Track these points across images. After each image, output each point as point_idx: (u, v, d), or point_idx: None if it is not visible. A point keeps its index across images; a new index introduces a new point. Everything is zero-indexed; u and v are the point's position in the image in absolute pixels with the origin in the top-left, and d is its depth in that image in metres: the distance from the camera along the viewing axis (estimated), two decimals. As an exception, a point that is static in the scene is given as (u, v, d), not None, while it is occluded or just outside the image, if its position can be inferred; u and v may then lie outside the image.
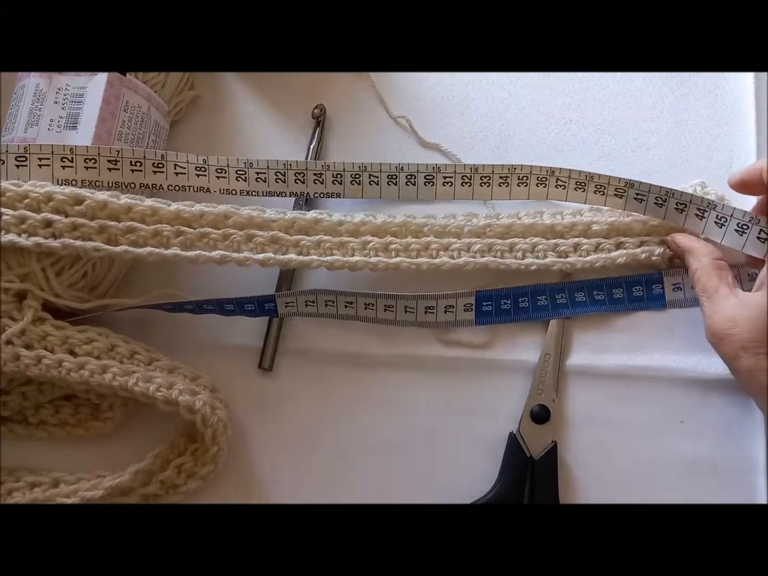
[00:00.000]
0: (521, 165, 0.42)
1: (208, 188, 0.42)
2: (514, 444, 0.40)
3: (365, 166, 0.42)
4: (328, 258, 0.41)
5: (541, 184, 0.42)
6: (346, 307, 0.42)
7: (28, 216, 0.38)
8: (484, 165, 0.42)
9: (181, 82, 0.45)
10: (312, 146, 0.46)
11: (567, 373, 0.42)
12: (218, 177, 0.42)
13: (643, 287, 0.42)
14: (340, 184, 0.42)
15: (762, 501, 0.40)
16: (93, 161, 0.40)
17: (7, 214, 0.38)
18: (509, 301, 0.42)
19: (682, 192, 0.41)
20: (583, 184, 0.42)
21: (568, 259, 0.42)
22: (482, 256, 0.42)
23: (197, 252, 0.39)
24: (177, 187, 0.42)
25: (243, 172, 0.42)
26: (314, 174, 0.42)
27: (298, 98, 0.47)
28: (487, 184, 0.43)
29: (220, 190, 0.42)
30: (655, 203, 0.41)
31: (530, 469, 0.40)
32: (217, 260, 0.40)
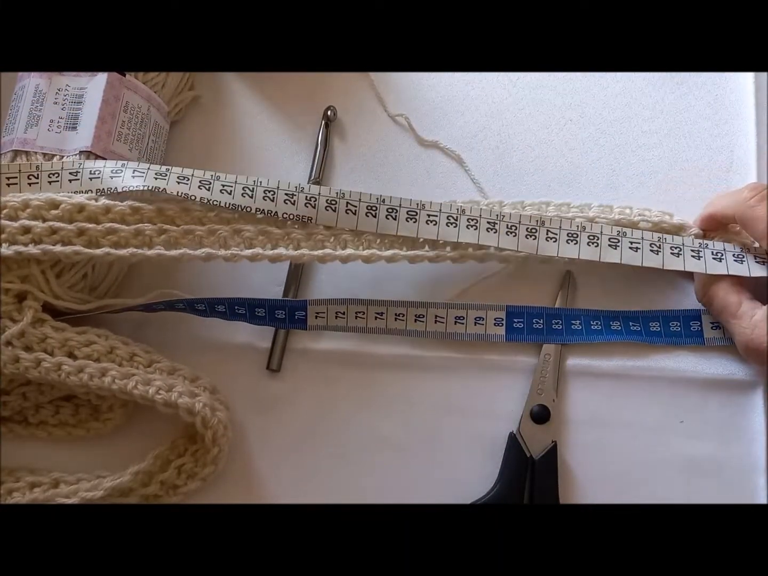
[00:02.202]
0: (510, 213, 0.41)
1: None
2: (514, 444, 0.40)
3: (343, 194, 0.40)
4: (318, 252, 0.40)
5: (531, 236, 0.41)
6: (376, 319, 0.41)
7: (5, 225, 0.38)
8: (472, 207, 0.41)
9: (181, 83, 0.45)
10: (319, 148, 0.45)
11: (567, 373, 0.42)
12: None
13: (681, 323, 0.42)
14: (314, 208, 0.40)
15: (762, 501, 0.40)
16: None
17: None
18: (542, 321, 0.42)
19: (674, 236, 0.41)
20: (575, 235, 0.41)
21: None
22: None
23: (182, 251, 0.39)
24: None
25: (208, 183, 0.40)
26: (285, 194, 0.40)
27: (298, 98, 0.47)
28: (474, 227, 0.40)
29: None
30: (650, 251, 0.40)
31: (530, 470, 0.40)
32: (202, 258, 0.39)
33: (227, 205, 0.39)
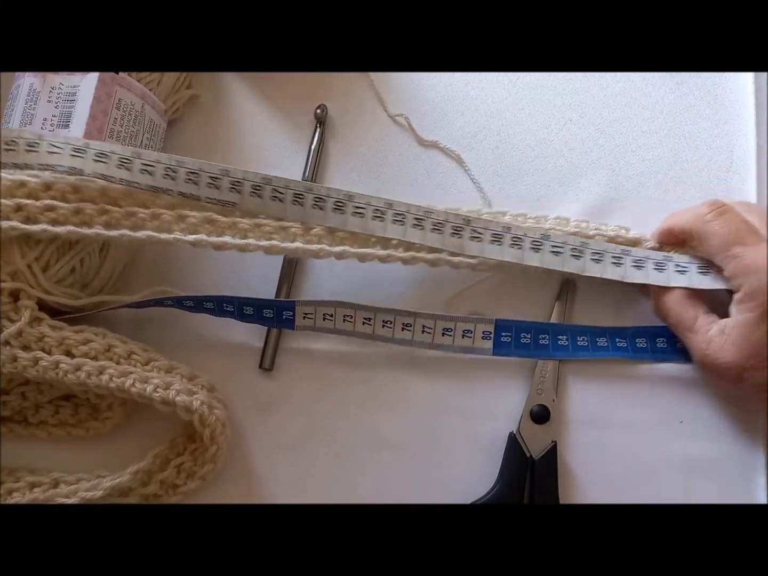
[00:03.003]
0: (437, 210, 0.41)
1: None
2: (513, 444, 0.40)
3: (269, 179, 0.40)
4: (265, 242, 0.40)
5: (456, 235, 0.41)
6: (364, 324, 0.41)
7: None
8: (401, 202, 0.40)
9: (178, 81, 0.45)
10: (313, 146, 0.45)
11: (567, 373, 0.42)
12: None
13: (667, 340, 0.41)
14: (239, 193, 0.40)
15: (762, 501, 0.40)
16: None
17: None
18: (529, 336, 0.42)
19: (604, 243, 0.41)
20: (500, 236, 0.40)
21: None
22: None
23: (122, 231, 0.39)
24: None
25: (128, 162, 0.39)
26: (210, 177, 0.39)
27: (298, 98, 0.47)
28: (401, 223, 0.40)
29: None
30: (572, 256, 0.40)
31: (530, 470, 0.40)
32: (144, 240, 0.39)
33: (148, 187, 0.39)
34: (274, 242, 0.40)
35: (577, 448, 0.41)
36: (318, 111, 0.46)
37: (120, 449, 0.41)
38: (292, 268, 0.44)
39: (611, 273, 0.41)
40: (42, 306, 0.39)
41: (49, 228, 0.38)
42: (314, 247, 0.40)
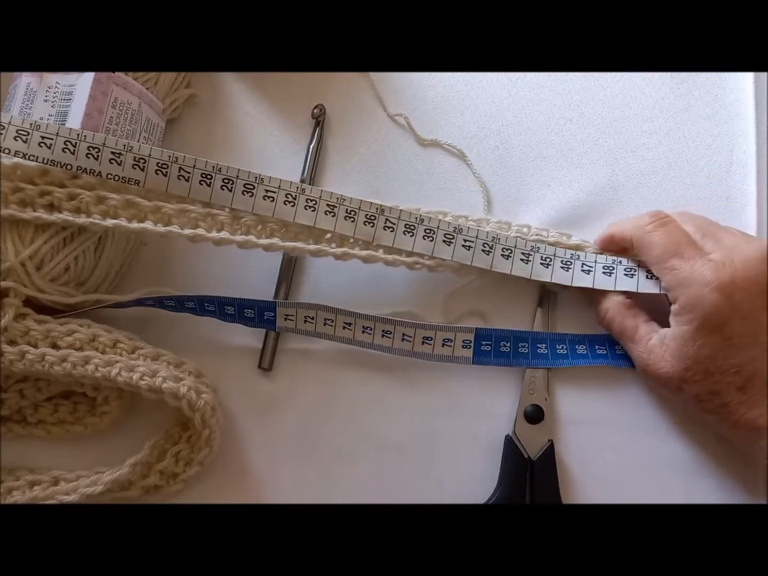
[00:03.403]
0: (351, 199, 0.40)
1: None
2: (511, 447, 0.40)
3: (176, 158, 0.39)
4: (188, 231, 0.39)
5: (369, 223, 0.40)
6: (344, 328, 0.41)
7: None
8: (313, 188, 0.40)
9: (176, 80, 0.45)
10: (312, 146, 0.45)
11: (557, 372, 0.42)
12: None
13: None
14: (142, 170, 0.39)
15: (762, 501, 0.40)
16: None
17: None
18: (509, 344, 0.42)
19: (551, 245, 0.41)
20: (412, 227, 0.40)
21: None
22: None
23: (35, 214, 0.38)
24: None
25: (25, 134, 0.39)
26: (112, 152, 0.39)
27: (298, 98, 0.47)
28: (313, 209, 0.40)
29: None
30: (482, 250, 0.40)
31: (529, 471, 0.40)
32: (50, 220, 0.38)
33: (45, 161, 0.38)
34: (200, 231, 0.39)
35: (573, 447, 0.41)
36: (315, 110, 0.46)
37: (118, 446, 0.41)
38: (291, 266, 0.44)
39: (558, 277, 0.41)
40: (33, 304, 0.39)
41: (16, 213, 0.38)
42: (312, 247, 0.40)
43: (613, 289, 0.40)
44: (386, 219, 0.40)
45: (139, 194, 0.40)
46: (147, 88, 0.43)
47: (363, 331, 0.41)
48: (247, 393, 0.42)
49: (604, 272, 0.41)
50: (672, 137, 0.45)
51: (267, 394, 0.42)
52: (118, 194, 0.39)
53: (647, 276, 0.40)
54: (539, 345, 0.42)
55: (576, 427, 0.41)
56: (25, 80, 0.41)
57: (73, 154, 0.38)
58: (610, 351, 0.41)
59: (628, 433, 0.41)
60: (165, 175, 0.39)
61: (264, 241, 0.40)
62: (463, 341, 0.41)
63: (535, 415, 0.41)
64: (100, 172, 0.39)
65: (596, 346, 0.42)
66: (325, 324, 0.41)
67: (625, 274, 0.40)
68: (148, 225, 0.39)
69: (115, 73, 0.41)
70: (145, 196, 0.40)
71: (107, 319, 0.41)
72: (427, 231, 0.40)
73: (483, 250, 0.40)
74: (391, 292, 0.43)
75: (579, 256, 0.41)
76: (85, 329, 0.39)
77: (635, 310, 0.40)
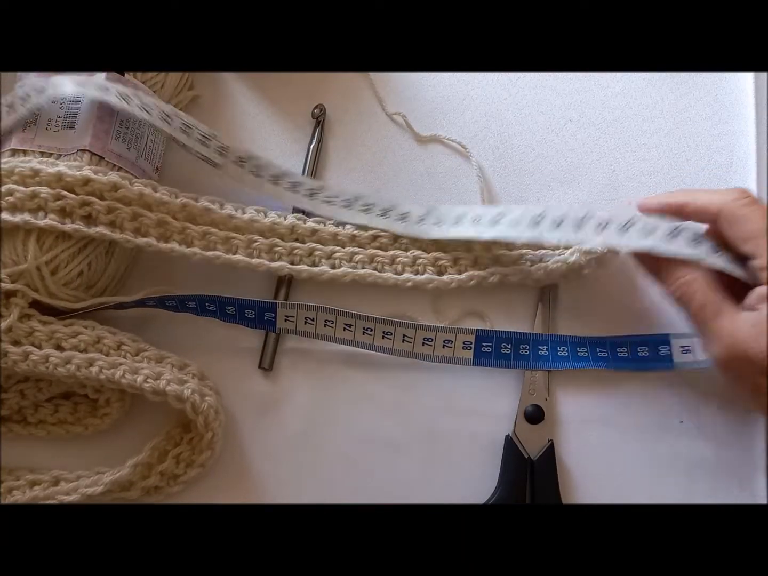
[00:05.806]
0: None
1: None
2: (511, 447, 0.40)
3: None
4: (210, 253, 0.41)
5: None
6: (344, 329, 0.41)
7: (14, 189, 0.38)
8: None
9: (180, 82, 0.45)
10: (312, 146, 0.45)
11: (557, 372, 0.42)
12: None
13: (649, 348, 0.41)
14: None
15: (762, 501, 0.40)
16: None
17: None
18: (510, 346, 0.41)
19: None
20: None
21: (443, 277, 0.41)
22: (363, 267, 0.42)
23: (74, 226, 0.39)
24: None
25: None
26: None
27: (298, 98, 0.47)
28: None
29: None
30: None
31: (530, 471, 0.40)
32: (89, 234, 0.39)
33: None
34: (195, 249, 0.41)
35: (573, 447, 0.41)
36: (315, 111, 0.46)
37: (119, 446, 0.41)
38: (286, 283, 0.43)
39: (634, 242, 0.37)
40: (37, 305, 0.39)
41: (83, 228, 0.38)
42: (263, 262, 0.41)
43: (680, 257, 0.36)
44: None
45: (169, 214, 0.41)
46: (154, 92, 0.43)
47: (363, 333, 0.41)
48: (247, 393, 0.42)
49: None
50: (672, 137, 0.45)
51: (267, 394, 0.42)
52: (151, 212, 0.40)
53: (714, 251, 0.37)
54: (540, 347, 0.41)
55: (576, 427, 0.41)
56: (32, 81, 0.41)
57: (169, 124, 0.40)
58: (612, 354, 0.41)
59: (628, 433, 0.41)
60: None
61: (276, 264, 0.41)
62: (464, 342, 0.41)
63: (535, 415, 0.41)
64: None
65: (597, 349, 0.41)
66: (325, 325, 0.41)
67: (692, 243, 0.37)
68: (174, 245, 0.40)
69: (124, 75, 0.41)
70: (174, 216, 0.41)
71: (109, 319, 0.41)
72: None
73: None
74: (391, 292, 0.43)
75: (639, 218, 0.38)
76: (89, 331, 0.39)
77: (718, 284, 0.36)
